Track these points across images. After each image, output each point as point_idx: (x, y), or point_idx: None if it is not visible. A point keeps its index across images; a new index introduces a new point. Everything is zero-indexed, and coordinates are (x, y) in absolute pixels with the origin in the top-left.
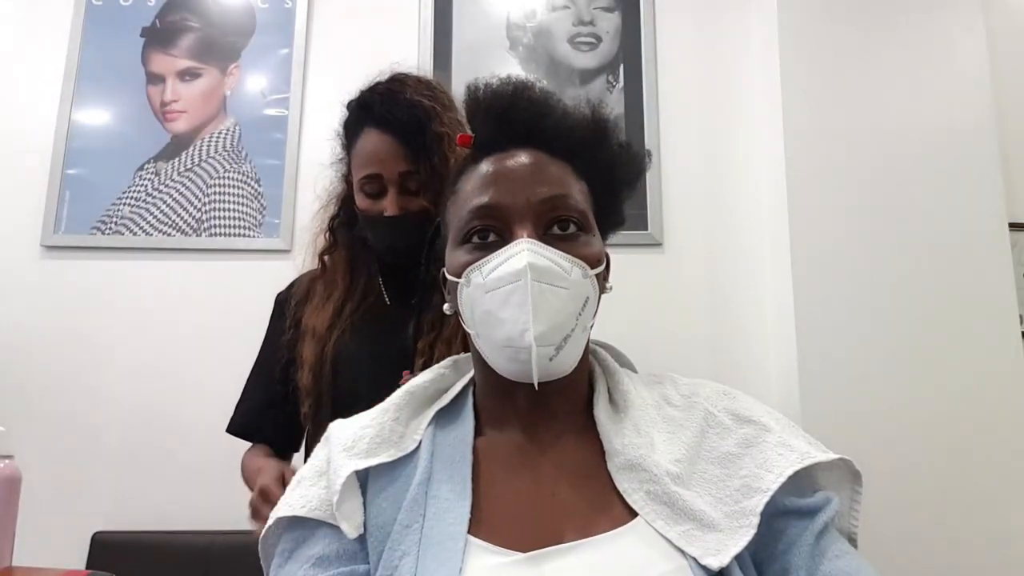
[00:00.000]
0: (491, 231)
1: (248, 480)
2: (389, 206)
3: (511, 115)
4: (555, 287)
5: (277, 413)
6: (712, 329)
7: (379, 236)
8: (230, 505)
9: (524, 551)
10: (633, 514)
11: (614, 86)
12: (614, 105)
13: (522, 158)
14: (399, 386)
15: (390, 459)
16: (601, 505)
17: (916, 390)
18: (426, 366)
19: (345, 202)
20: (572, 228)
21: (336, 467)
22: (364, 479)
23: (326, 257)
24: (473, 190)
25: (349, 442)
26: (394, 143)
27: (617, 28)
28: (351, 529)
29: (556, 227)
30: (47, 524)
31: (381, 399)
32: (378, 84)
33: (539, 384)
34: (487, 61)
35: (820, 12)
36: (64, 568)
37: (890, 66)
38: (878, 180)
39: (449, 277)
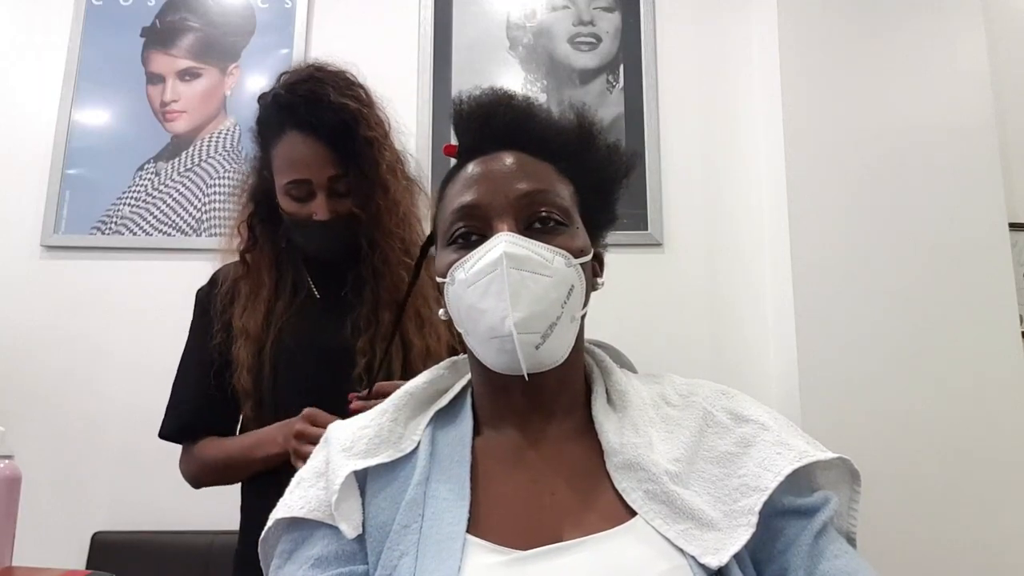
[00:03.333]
0: (473, 230)
1: (241, 456)
2: (319, 211)
3: (493, 120)
4: (536, 275)
5: (218, 415)
6: (712, 329)
7: (309, 239)
8: (230, 505)
9: (523, 550)
10: (632, 513)
11: (614, 86)
12: (614, 105)
13: (504, 159)
14: (348, 409)
15: (389, 459)
16: (599, 504)
17: (916, 390)
18: (369, 365)
19: (262, 197)
20: (553, 222)
21: (335, 467)
22: (363, 479)
23: (248, 255)
24: (457, 193)
25: (348, 442)
26: (322, 147)
27: (617, 28)
28: (350, 529)
29: (537, 222)
30: (47, 524)
31: (326, 397)
32: (297, 83)
33: (531, 376)
34: (487, 61)
35: (820, 12)
36: (64, 568)
37: (890, 66)
38: (878, 180)
39: (437, 279)
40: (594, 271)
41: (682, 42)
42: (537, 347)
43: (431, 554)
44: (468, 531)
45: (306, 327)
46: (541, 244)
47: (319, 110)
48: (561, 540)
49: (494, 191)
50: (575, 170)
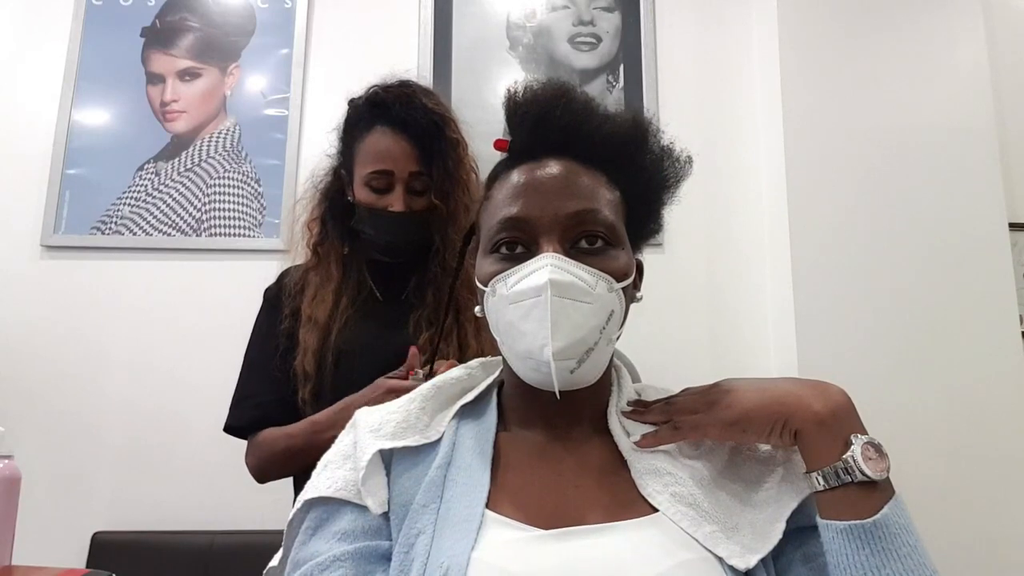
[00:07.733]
0: (518, 243)
1: (308, 439)
2: (395, 202)
3: (547, 123)
4: (578, 302)
5: (285, 408)
6: (712, 329)
7: (380, 230)
8: (230, 505)
9: (545, 529)
10: (656, 511)
11: (614, 86)
12: (614, 105)
13: (554, 169)
14: (413, 366)
15: (414, 444)
16: (625, 499)
17: (916, 390)
18: (428, 362)
19: (335, 196)
20: (599, 243)
21: (362, 446)
22: (388, 461)
23: (319, 248)
24: (504, 200)
25: (376, 425)
26: (408, 144)
27: (617, 28)
28: (376, 505)
29: (583, 241)
30: (47, 524)
31: None
32: (389, 86)
33: (562, 393)
34: (487, 61)
35: (820, 12)
36: (64, 568)
37: (890, 65)
38: (878, 180)
39: (477, 284)
40: (634, 284)
41: (682, 42)
42: (572, 371)
43: (448, 533)
44: (489, 509)
45: (370, 326)
46: (585, 268)
47: (410, 110)
48: (585, 524)
49: (543, 206)
50: (625, 179)
